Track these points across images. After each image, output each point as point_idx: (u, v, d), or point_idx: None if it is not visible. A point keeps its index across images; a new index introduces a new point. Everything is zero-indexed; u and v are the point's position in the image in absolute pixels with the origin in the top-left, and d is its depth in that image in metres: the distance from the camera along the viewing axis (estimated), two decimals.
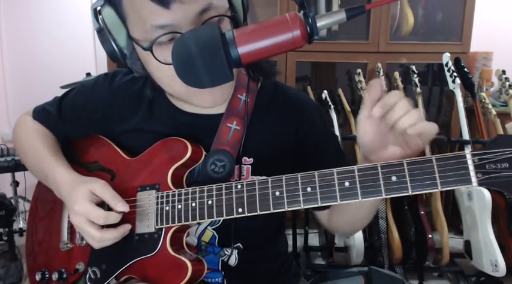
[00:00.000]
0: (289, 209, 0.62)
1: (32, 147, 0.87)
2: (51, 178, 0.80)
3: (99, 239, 0.71)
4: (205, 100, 0.71)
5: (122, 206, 0.71)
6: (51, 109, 0.90)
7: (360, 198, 0.57)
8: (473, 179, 0.51)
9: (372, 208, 0.76)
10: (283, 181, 0.62)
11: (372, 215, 0.79)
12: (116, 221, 0.72)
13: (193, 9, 0.62)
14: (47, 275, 0.84)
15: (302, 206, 0.60)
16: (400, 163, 0.55)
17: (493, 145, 0.51)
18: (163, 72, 0.68)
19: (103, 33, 0.68)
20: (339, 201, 0.58)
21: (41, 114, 0.91)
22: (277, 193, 0.62)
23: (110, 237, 0.72)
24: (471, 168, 0.51)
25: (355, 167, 0.58)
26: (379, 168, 0.56)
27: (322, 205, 0.59)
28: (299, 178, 0.61)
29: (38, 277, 0.84)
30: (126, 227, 0.73)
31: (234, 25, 0.69)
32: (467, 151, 0.52)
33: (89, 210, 0.71)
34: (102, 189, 0.73)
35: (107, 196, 0.72)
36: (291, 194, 0.61)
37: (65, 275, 0.81)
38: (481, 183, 0.51)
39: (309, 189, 0.60)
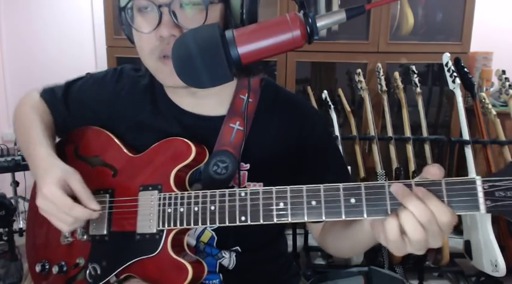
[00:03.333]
0: (293, 221, 0.61)
1: (26, 126, 0.86)
2: (31, 158, 0.79)
3: (70, 221, 0.70)
4: (168, 81, 0.74)
5: (94, 204, 0.71)
6: (58, 92, 0.91)
7: (365, 216, 0.56)
8: (482, 206, 0.50)
9: (370, 243, 0.70)
10: (288, 192, 0.61)
11: (365, 248, 0.74)
12: (80, 216, 0.70)
13: None
14: (47, 267, 0.83)
15: (306, 219, 0.59)
16: (408, 184, 0.54)
17: (503, 173, 0.50)
18: (138, 42, 0.73)
19: None
20: (343, 217, 0.57)
21: (48, 93, 0.92)
22: (281, 205, 0.61)
23: (78, 214, 0.69)
24: (480, 194, 0.50)
25: (362, 184, 0.57)
26: (386, 187, 0.55)
27: (327, 220, 0.59)
28: (304, 191, 0.60)
29: (38, 268, 0.83)
30: (95, 206, 0.71)
31: (225, 13, 0.71)
32: (478, 177, 0.51)
33: (57, 195, 0.69)
34: (78, 182, 0.71)
35: (81, 191, 0.71)
36: (295, 206, 0.60)
37: (65, 269, 0.81)
38: (489, 211, 0.50)
39: (313, 203, 0.59)
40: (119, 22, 0.76)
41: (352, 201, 0.57)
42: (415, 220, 0.51)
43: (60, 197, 0.69)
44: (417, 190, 0.52)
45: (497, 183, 0.50)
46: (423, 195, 0.52)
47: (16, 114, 0.93)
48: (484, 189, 0.50)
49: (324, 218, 0.58)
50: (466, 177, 0.52)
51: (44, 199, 0.70)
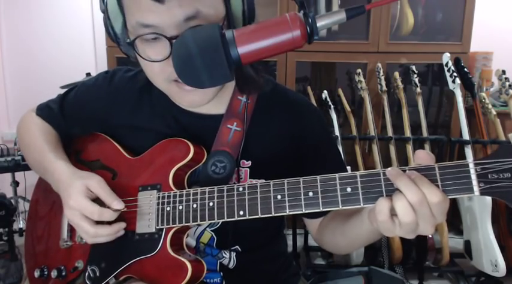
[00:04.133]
0: (291, 213, 0.61)
1: (34, 142, 0.87)
2: (49, 173, 0.81)
3: (93, 234, 0.72)
4: (185, 100, 0.73)
5: (117, 204, 0.72)
6: (54, 107, 0.91)
7: (361, 204, 0.57)
8: (475, 188, 0.51)
9: (369, 237, 0.70)
10: (285, 185, 0.62)
11: (364, 244, 0.75)
12: (110, 218, 0.72)
13: (179, 15, 0.62)
14: (46, 272, 0.84)
15: (304, 210, 0.60)
16: (402, 170, 0.55)
17: (495, 155, 0.51)
18: (147, 67, 0.70)
19: (105, 15, 0.69)
20: (340, 206, 0.58)
21: (44, 110, 0.92)
22: (279, 197, 0.62)
23: (104, 233, 0.72)
24: (473, 177, 0.51)
25: (357, 173, 0.57)
26: (381, 174, 0.56)
27: (324, 210, 0.59)
28: (301, 183, 0.61)
29: (36, 273, 0.84)
30: (120, 225, 0.73)
31: (228, 19, 0.68)
32: (470, 160, 0.52)
33: (83, 205, 0.71)
34: (98, 185, 0.73)
35: (102, 193, 0.73)
36: (293, 198, 0.61)
37: (64, 273, 0.81)
38: (482, 192, 0.51)
39: (310, 194, 0.60)
40: (113, 41, 0.72)
41: (348, 189, 0.57)
42: (405, 201, 0.52)
43: (87, 206, 0.71)
44: (410, 173, 0.54)
45: (489, 165, 0.51)
46: (416, 177, 0.53)
47: (20, 135, 0.94)
48: (477, 171, 0.51)
49: (321, 208, 0.59)
50: (459, 161, 0.53)
51: (72, 209, 0.72)
